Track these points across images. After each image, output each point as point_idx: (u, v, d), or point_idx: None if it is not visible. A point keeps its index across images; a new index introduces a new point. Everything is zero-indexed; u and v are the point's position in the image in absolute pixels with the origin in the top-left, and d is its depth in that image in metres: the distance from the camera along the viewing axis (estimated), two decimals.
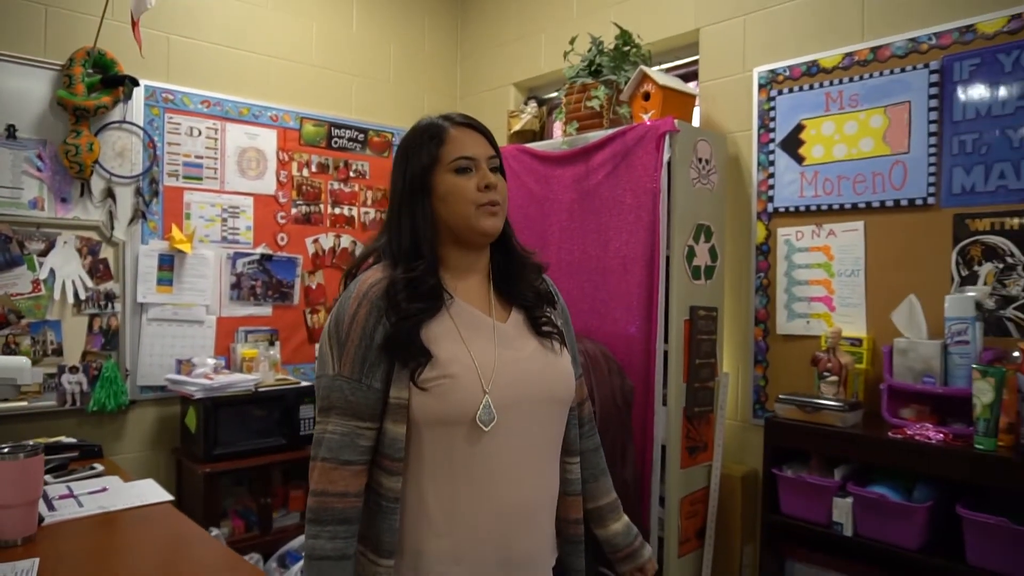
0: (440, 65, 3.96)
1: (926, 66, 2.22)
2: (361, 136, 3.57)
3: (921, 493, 1.99)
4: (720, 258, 2.62)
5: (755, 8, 2.68)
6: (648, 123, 2.46)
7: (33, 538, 1.60)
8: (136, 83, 2.81)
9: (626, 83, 2.65)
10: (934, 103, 2.21)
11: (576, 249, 2.65)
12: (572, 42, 2.91)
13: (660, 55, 3.03)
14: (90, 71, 2.72)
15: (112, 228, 2.82)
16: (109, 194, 2.81)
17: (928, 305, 2.16)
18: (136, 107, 2.88)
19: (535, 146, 2.88)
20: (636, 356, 2.44)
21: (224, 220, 3.12)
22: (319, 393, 1.20)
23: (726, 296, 2.69)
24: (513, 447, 1.21)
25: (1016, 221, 2.05)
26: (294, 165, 3.33)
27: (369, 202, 3.59)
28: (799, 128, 2.53)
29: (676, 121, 2.40)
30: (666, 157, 2.39)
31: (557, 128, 3.18)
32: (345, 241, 3.50)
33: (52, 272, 2.68)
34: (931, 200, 2.22)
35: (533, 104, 3.29)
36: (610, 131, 2.56)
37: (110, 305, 2.81)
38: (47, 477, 1.92)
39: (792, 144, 2.55)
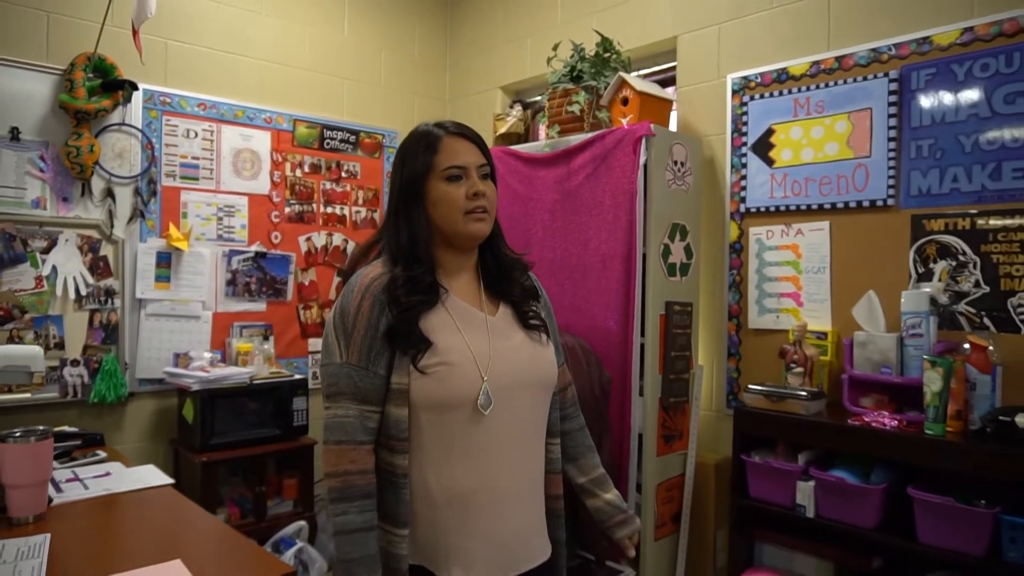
0: (429, 69, 4.08)
1: (886, 75, 2.35)
2: (353, 138, 3.68)
3: (877, 476, 2.12)
4: (695, 256, 2.75)
5: (729, 17, 2.81)
6: (626, 127, 2.58)
7: (43, 516, 1.71)
8: (135, 87, 2.92)
9: (606, 88, 2.77)
10: (893, 110, 2.34)
11: (558, 247, 2.77)
12: (555, 48, 3.03)
13: (639, 61, 3.15)
14: (91, 75, 2.82)
15: (112, 227, 2.92)
16: (109, 194, 2.92)
17: (888, 301, 2.29)
18: (135, 110, 2.98)
19: (520, 148, 3.00)
20: (614, 349, 2.57)
21: (220, 219, 3.23)
22: (326, 380, 1.32)
23: (701, 292, 2.82)
24: (505, 429, 1.34)
25: (967, 222, 2.19)
26: (287, 166, 3.45)
27: (360, 201, 3.70)
28: (769, 132, 2.66)
29: (652, 125, 2.52)
30: (643, 160, 2.51)
31: (541, 131, 3.30)
32: (337, 239, 3.61)
33: (54, 269, 2.78)
34: (891, 201, 2.35)
35: (518, 107, 3.41)
36: (590, 134, 2.68)
37: (110, 301, 2.92)
38: (53, 463, 2.02)
39: (763, 147, 2.68)
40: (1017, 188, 2.10)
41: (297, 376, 3.15)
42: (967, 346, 2.05)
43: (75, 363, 2.82)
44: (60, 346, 2.79)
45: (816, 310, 2.54)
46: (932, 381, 1.97)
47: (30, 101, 2.74)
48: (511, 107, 3.48)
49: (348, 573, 1.23)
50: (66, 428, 2.54)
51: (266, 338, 3.31)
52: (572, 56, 2.91)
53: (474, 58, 3.99)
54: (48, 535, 1.59)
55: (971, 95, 2.18)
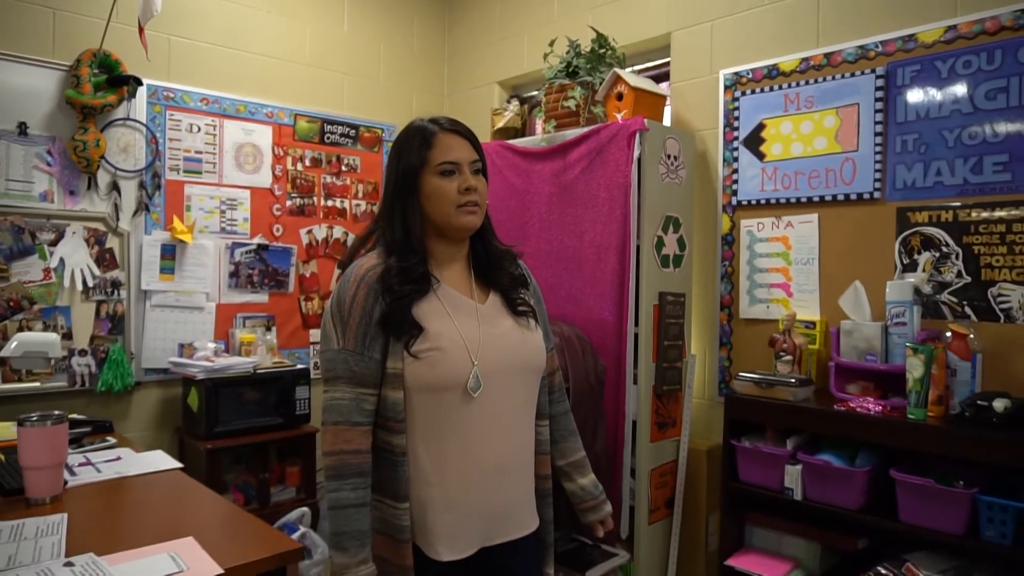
0: (428, 64, 4.14)
1: (873, 71, 2.42)
2: (353, 132, 3.74)
3: (862, 460, 2.19)
4: (688, 247, 2.82)
5: (722, 14, 2.87)
6: (621, 122, 2.65)
7: (60, 497, 1.78)
8: (140, 82, 2.98)
9: (601, 84, 2.83)
10: (880, 105, 2.40)
11: (554, 239, 2.84)
12: (551, 44, 3.09)
13: (633, 57, 3.22)
14: (96, 71, 2.87)
15: (117, 219, 2.98)
16: (114, 187, 2.98)
17: (874, 290, 2.37)
18: (139, 105, 3.04)
19: (517, 142, 3.06)
20: (609, 338, 2.64)
21: (223, 212, 3.29)
22: (324, 365, 1.40)
23: (693, 283, 2.89)
24: (495, 411, 1.42)
25: (950, 214, 2.26)
26: (289, 160, 3.51)
27: (360, 195, 3.76)
28: (760, 127, 2.73)
29: (646, 120, 2.59)
30: (637, 154, 2.58)
31: (538, 125, 3.36)
32: (337, 232, 3.68)
33: (62, 261, 2.84)
34: (877, 194, 2.42)
35: (515, 102, 3.47)
36: (586, 129, 2.75)
37: (116, 292, 2.98)
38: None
39: (754, 142, 2.74)
40: (998, 182, 2.17)
41: (299, 366, 3.22)
42: (949, 334, 2.12)
43: (83, 353, 2.88)
44: (68, 336, 2.85)
45: (805, 300, 2.61)
46: (914, 368, 2.05)
47: (37, 96, 2.79)
48: (508, 102, 3.54)
49: (339, 545, 1.32)
50: (74, 416, 2.60)
51: (268, 329, 3.38)
52: (568, 52, 2.97)
53: (472, 53, 4.05)
54: (65, 514, 1.66)
55: (954, 91, 2.25)
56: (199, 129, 3.22)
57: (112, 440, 2.36)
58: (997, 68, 2.17)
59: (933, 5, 2.31)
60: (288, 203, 3.50)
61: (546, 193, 2.87)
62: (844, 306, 2.41)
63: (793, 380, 2.34)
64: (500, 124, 3.39)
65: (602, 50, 2.94)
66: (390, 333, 1.36)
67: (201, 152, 3.23)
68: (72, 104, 2.81)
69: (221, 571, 1.36)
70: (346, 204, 3.71)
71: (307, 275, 3.57)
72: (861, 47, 2.46)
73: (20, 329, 2.72)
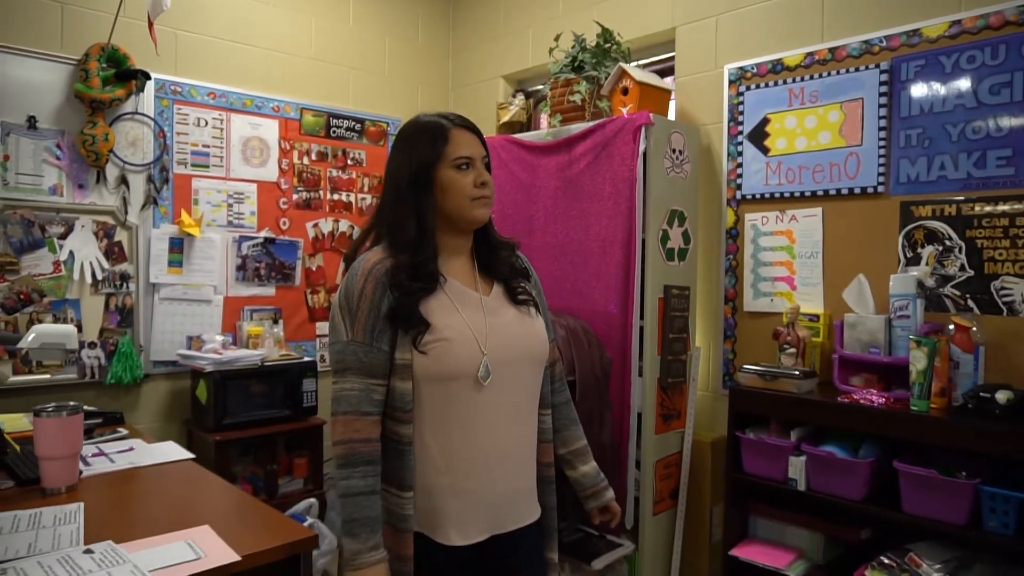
0: (433, 58, 4.15)
1: (877, 66, 2.44)
2: (358, 126, 3.76)
3: (865, 451, 2.22)
4: (692, 241, 2.84)
5: (726, 9, 2.89)
6: (626, 116, 2.67)
7: (75, 487, 1.81)
8: (148, 76, 2.99)
9: (606, 78, 2.85)
10: (884, 100, 2.42)
11: (560, 233, 2.86)
12: (557, 39, 3.10)
13: (638, 52, 3.23)
14: (104, 65, 2.89)
15: (126, 213, 3.01)
16: (123, 181, 3.00)
17: (877, 284, 2.39)
18: (147, 99, 3.06)
19: (522, 136, 3.08)
20: (614, 331, 2.66)
21: (230, 205, 3.31)
22: (334, 357, 1.42)
23: (698, 276, 2.91)
24: (501, 400, 1.45)
25: (954, 208, 2.28)
26: (295, 153, 3.53)
27: (366, 188, 3.78)
28: (765, 121, 2.74)
29: (652, 115, 2.61)
30: (642, 148, 2.60)
31: (543, 119, 3.37)
32: (343, 225, 3.70)
33: (71, 254, 2.87)
34: (881, 188, 2.44)
35: (520, 97, 3.49)
36: (591, 123, 2.76)
37: (125, 285, 3.01)
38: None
39: (758, 136, 2.76)
40: (1001, 176, 2.18)
41: (306, 358, 3.25)
42: (952, 327, 2.14)
43: (92, 345, 2.91)
44: (78, 329, 2.87)
45: (809, 293, 2.63)
46: (917, 360, 2.07)
47: (46, 90, 2.81)
48: (513, 96, 3.56)
49: (350, 532, 1.34)
50: (87, 407, 2.63)
51: (275, 322, 3.40)
52: (573, 47, 2.99)
53: (477, 48, 4.06)
54: (81, 503, 1.69)
55: (958, 86, 2.27)
56: (206, 123, 3.24)
57: (123, 431, 2.39)
58: (1001, 63, 2.18)
59: (938, 0, 2.32)
60: (294, 197, 3.52)
61: (552, 187, 2.89)
62: (848, 299, 2.43)
63: (797, 372, 2.36)
64: (505, 118, 3.41)
65: (607, 45, 2.96)
66: (398, 326, 1.39)
67: (208, 146, 3.25)
68: (81, 98, 2.82)
69: (238, 558, 1.39)
70: (352, 198, 3.73)
71: (313, 268, 3.59)
72: (865, 42, 2.48)
73: (31, 321, 2.75)
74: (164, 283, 3.10)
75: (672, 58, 3.13)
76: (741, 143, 2.82)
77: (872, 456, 2.18)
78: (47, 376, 2.79)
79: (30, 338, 1.99)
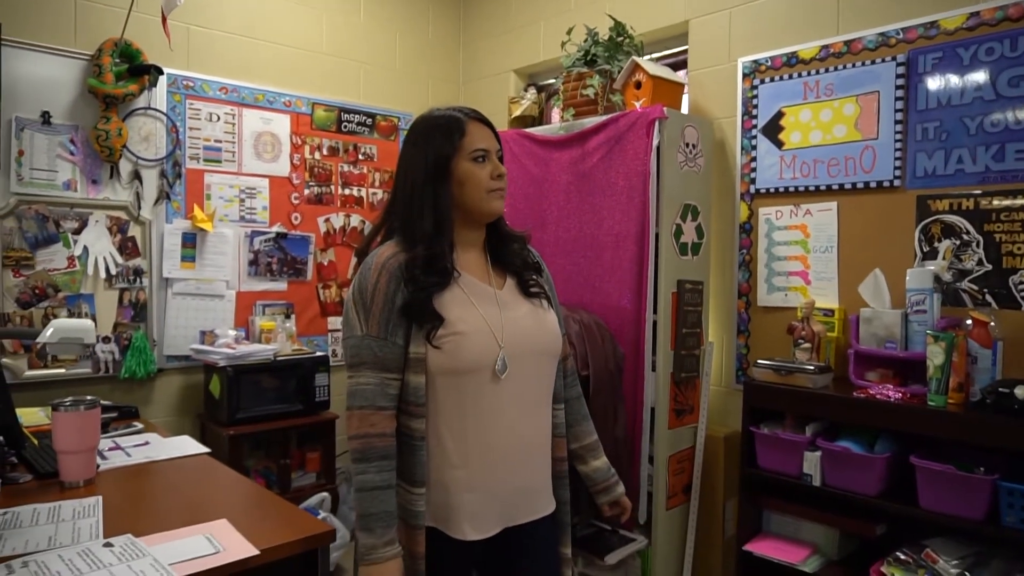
0: (444, 53, 4.15)
1: (894, 59, 2.41)
2: (369, 120, 3.76)
3: (881, 446, 2.21)
4: (706, 235, 2.83)
5: (740, 2, 2.87)
6: (639, 110, 2.65)
7: (93, 481, 1.81)
8: (160, 72, 2.99)
9: (619, 72, 2.84)
10: (900, 93, 2.40)
11: (573, 227, 2.85)
12: (569, 32, 3.09)
13: (651, 45, 3.21)
14: (117, 60, 2.89)
15: (139, 208, 3.02)
16: (136, 176, 3.01)
17: (893, 278, 2.37)
18: (160, 94, 3.06)
19: (534, 131, 3.07)
20: (628, 326, 2.65)
21: (242, 200, 3.32)
22: (349, 352, 1.42)
23: (711, 271, 2.90)
24: (517, 393, 1.45)
25: (971, 202, 2.26)
26: (306, 148, 3.53)
27: (377, 183, 3.78)
28: (779, 115, 2.72)
29: (665, 108, 2.59)
30: (655, 142, 2.59)
31: (555, 114, 3.36)
32: (355, 220, 3.70)
33: (85, 249, 2.88)
34: (897, 182, 2.42)
35: (532, 91, 3.48)
36: (604, 117, 2.75)
37: (138, 280, 3.02)
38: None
39: (773, 130, 2.74)
40: (1020, 169, 2.16)
41: (319, 353, 3.26)
42: (969, 322, 2.12)
43: (106, 340, 2.92)
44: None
45: (824, 288, 2.62)
46: (935, 355, 2.06)
47: (60, 86, 2.82)
48: (525, 90, 3.54)
49: (366, 526, 1.34)
50: (102, 402, 2.64)
51: (288, 316, 3.41)
52: (586, 40, 2.97)
53: (487, 42, 4.05)
54: (100, 497, 1.69)
55: (976, 78, 2.25)
56: (218, 118, 3.24)
57: (139, 425, 2.40)
58: (1020, 55, 2.16)
59: None
60: (306, 192, 3.53)
61: (564, 181, 2.88)
62: (864, 294, 2.41)
63: (812, 367, 2.35)
64: (517, 112, 3.40)
65: (620, 38, 2.94)
66: (412, 320, 1.39)
67: (220, 141, 3.26)
68: (94, 93, 2.83)
69: (257, 552, 1.39)
70: (363, 192, 3.73)
71: (325, 263, 3.60)
72: (882, 34, 2.45)
73: (46, 316, 2.77)
74: (177, 278, 3.11)
75: (685, 51, 3.11)
76: (755, 137, 2.80)
77: (888, 451, 2.17)
78: (62, 371, 2.80)
79: (48, 333, 2.00)
